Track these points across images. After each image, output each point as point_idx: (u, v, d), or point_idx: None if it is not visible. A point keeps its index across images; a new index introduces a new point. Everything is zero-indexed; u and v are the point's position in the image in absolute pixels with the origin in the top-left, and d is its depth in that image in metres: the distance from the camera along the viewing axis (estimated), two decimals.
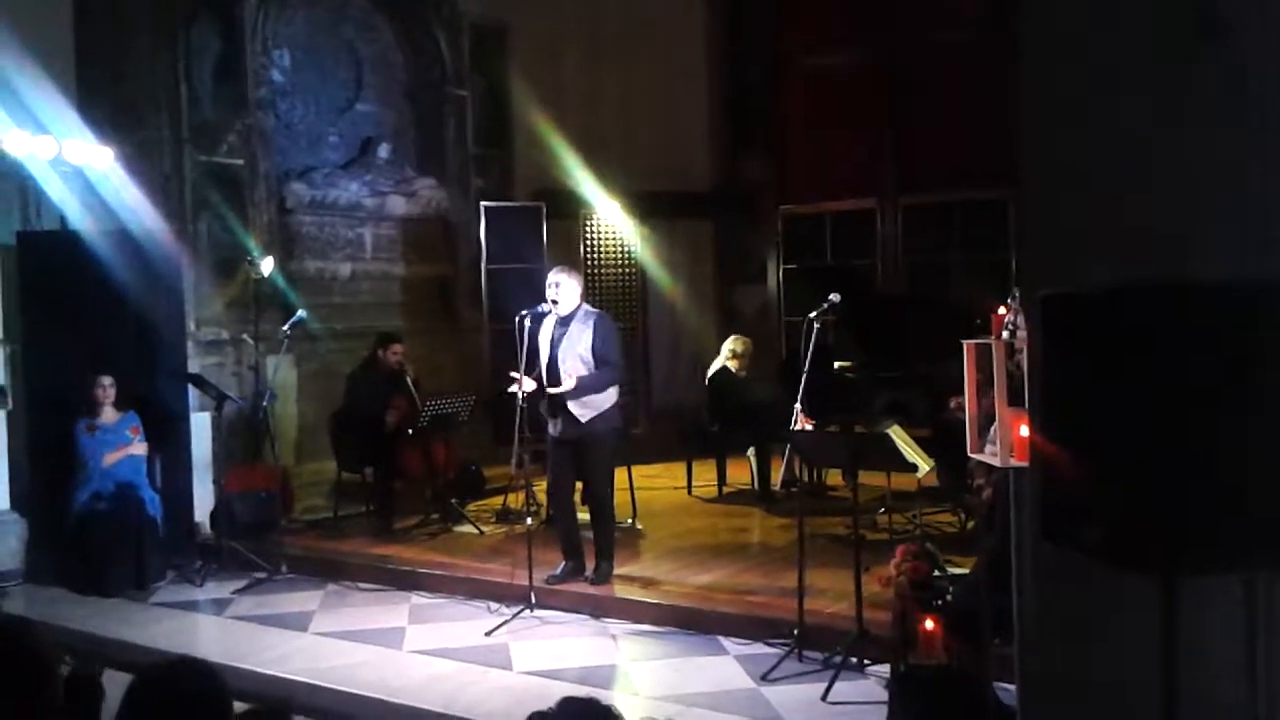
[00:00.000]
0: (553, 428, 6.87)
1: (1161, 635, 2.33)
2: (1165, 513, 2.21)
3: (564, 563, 6.93)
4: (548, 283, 6.88)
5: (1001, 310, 3.88)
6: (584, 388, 6.70)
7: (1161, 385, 2.19)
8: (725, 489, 9.45)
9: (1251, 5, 2.55)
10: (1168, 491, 2.20)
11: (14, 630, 2.56)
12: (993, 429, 3.91)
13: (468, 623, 6.54)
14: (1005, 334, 3.82)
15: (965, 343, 4.08)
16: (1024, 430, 3.63)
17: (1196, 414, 2.19)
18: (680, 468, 9.67)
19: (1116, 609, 2.70)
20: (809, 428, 7.11)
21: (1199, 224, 2.61)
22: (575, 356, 6.75)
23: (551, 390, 6.70)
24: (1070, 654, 2.97)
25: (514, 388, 6.65)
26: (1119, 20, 2.70)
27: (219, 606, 7.16)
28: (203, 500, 8.38)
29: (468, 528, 8.42)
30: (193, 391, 8.42)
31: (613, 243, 11.68)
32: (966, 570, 5.11)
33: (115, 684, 2.97)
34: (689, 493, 9.49)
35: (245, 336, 8.74)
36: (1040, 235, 3.00)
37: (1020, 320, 3.71)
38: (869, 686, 5.23)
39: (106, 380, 7.73)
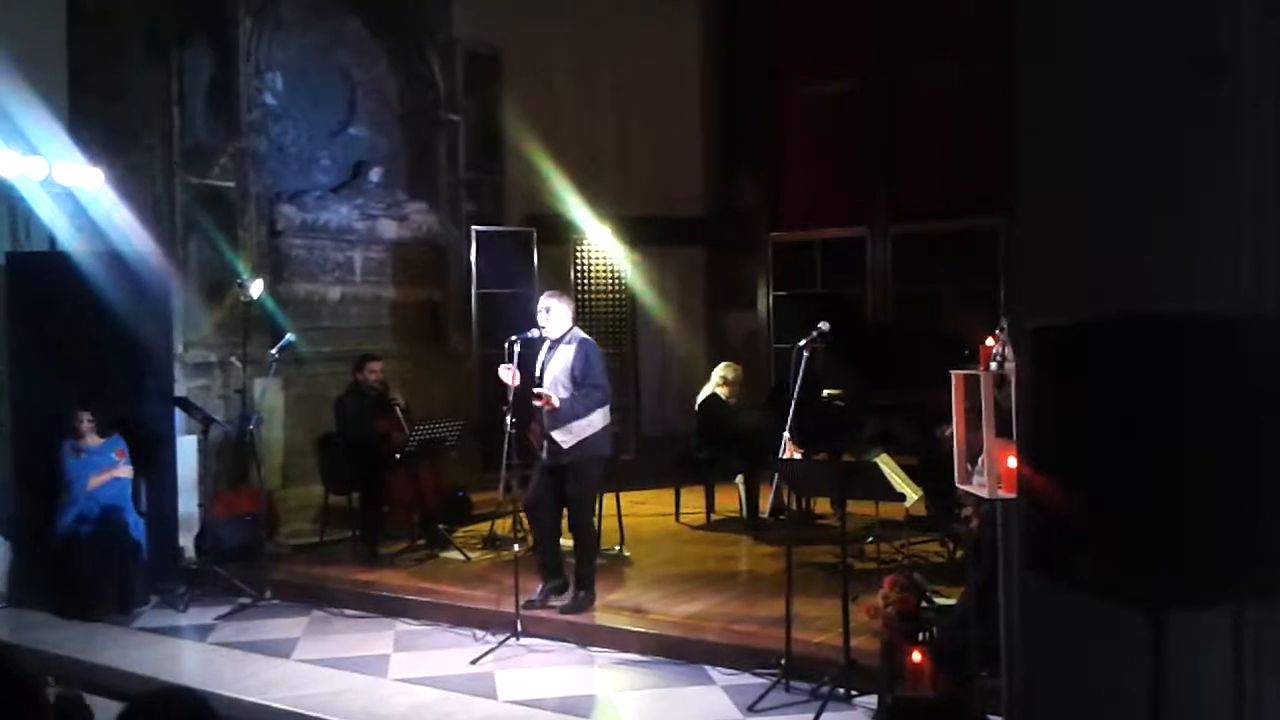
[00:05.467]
0: (542, 452, 6.86)
1: (1150, 668, 2.31)
2: (1154, 545, 2.20)
3: (542, 585, 6.89)
4: (539, 308, 6.89)
5: (990, 341, 3.88)
6: (564, 414, 6.68)
7: (1152, 418, 2.19)
8: (713, 516, 9.42)
9: (1249, 43, 2.56)
10: (1157, 524, 2.20)
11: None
12: (981, 460, 3.90)
13: (453, 650, 6.49)
14: (994, 365, 3.81)
15: (953, 373, 4.08)
16: (1012, 461, 3.62)
17: (1188, 447, 2.18)
18: (669, 494, 9.65)
19: (1104, 641, 2.69)
20: (797, 456, 7.09)
21: (1192, 258, 2.61)
22: (556, 380, 6.76)
23: (536, 401, 6.67)
24: (1057, 687, 2.95)
25: (504, 375, 6.69)
26: (1115, 55, 2.71)
27: (202, 632, 7.09)
28: (188, 524, 8.33)
29: (454, 554, 8.37)
30: (179, 414, 8.38)
31: (604, 268, 11.70)
32: (954, 601, 5.09)
33: (98, 710, 2.94)
34: (677, 520, 9.46)
35: (233, 359, 8.70)
36: (1031, 266, 3.00)
37: (1009, 351, 3.70)
38: (856, 718, 5.20)
39: (85, 415, 7.65)
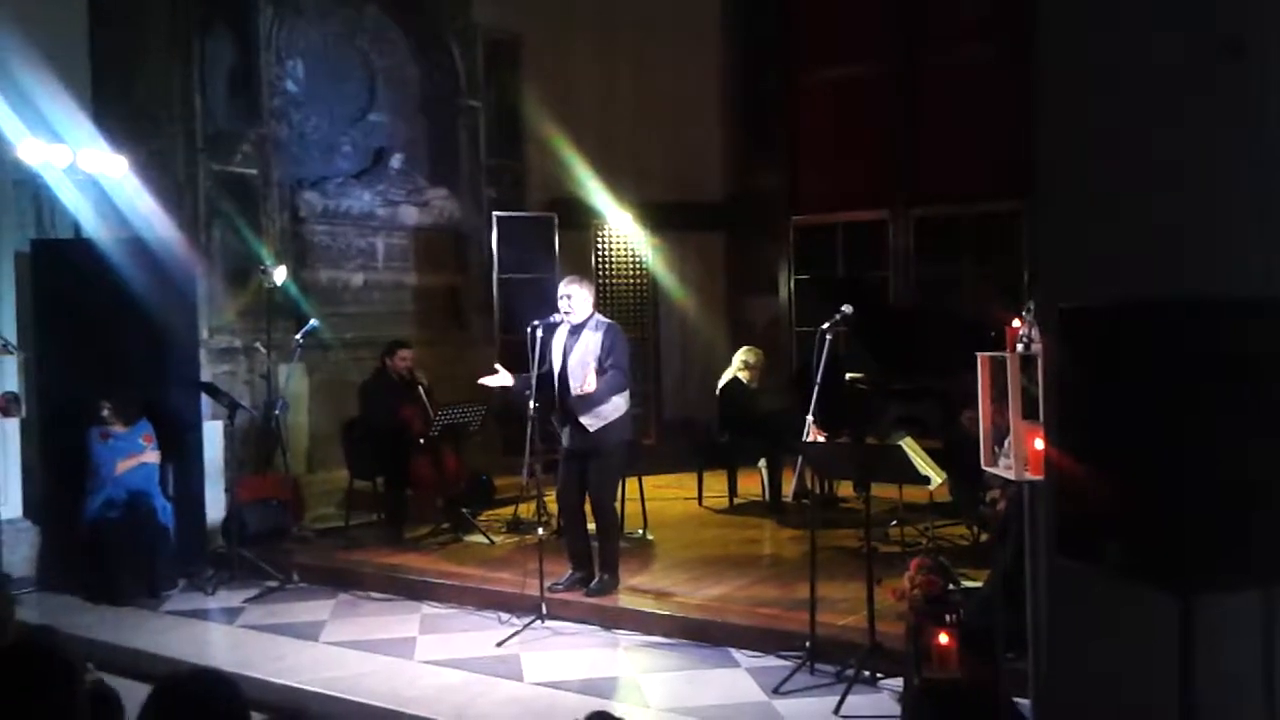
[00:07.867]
0: (565, 438, 6.87)
1: (1179, 650, 2.31)
2: (1183, 528, 2.20)
3: (571, 572, 6.92)
4: (560, 294, 6.88)
5: (1016, 323, 3.87)
6: (593, 399, 6.68)
7: (1181, 400, 2.19)
8: (736, 500, 9.43)
9: (1270, 25, 2.55)
10: (1186, 507, 2.19)
11: (42, 640, 2.57)
12: (1007, 442, 3.89)
13: (479, 633, 6.53)
14: (1020, 347, 3.80)
15: (980, 355, 4.07)
16: (1038, 444, 3.61)
17: (1216, 429, 2.18)
18: (691, 478, 9.66)
19: (1132, 624, 2.69)
20: (820, 439, 7.09)
21: (1221, 241, 2.61)
22: (584, 364, 6.76)
23: (575, 391, 6.68)
24: (1085, 669, 2.96)
25: (492, 380, 6.79)
26: (1140, 39, 2.70)
27: (230, 615, 7.15)
28: (214, 509, 8.39)
29: (479, 537, 8.41)
30: (205, 400, 8.43)
31: (625, 253, 11.70)
32: (979, 584, 5.09)
33: (127, 692, 2.98)
34: (700, 504, 9.47)
35: (258, 345, 8.75)
36: (1058, 249, 3.00)
37: (1035, 334, 3.70)
38: (882, 700, 5.21)
39: (106, 404, 7.68)
